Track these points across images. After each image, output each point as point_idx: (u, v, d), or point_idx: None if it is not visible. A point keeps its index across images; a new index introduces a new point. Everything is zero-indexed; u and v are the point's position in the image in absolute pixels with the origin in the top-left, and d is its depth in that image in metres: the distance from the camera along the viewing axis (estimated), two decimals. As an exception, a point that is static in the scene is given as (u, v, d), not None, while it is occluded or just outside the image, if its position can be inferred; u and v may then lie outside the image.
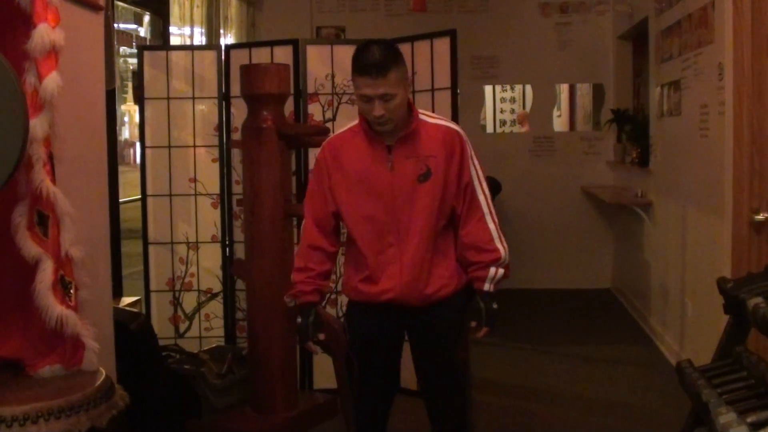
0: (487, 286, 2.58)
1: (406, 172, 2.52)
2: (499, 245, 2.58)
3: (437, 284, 2.59)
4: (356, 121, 2.61)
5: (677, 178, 4.69)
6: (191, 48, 4.84)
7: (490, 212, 2.60)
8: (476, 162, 2.60)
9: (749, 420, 1.85)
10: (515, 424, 3.86)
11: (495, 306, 2.58)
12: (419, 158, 2.52)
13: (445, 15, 6.75)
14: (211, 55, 4.30)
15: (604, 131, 6.84)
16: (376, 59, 2.42)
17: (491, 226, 2.58)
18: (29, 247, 2.06)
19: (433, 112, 3.96)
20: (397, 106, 2.47)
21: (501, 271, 2.58)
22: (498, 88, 8.69)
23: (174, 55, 4.29)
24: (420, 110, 2.61)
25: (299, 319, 2.67)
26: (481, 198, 2.59)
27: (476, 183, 2.59)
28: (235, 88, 3.94)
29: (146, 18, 5.61)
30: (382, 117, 2.45)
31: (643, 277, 5.59)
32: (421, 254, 2.55)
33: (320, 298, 2.70)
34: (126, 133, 9.64)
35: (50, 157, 2.11)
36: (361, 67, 2.45)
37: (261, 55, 4.15)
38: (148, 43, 5.40)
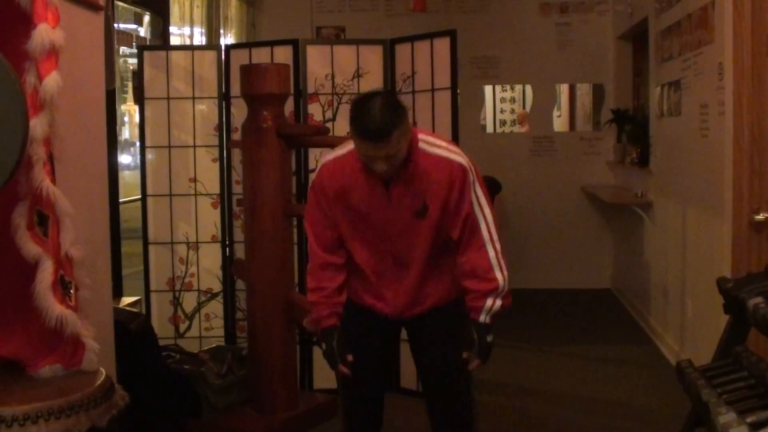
0: (482, 318, 2.51)
1: (402, 208, 2.49)
2: (497, 274, 2.50)
3: (432, 300, 2.61)
4: (352, 146, 2.48)
5: (677, 178, 4.68)
6: (191, 48, 4.85)
7: (492, 240, 2.50)
8: (479, 191, 2.51)
9: (749, 420, 1.85)
10: (515, 424, 3.86)
11: (489, 339, 2.52)
12: (416, 193, 2.47)
13: (445, 15, 6.74)
14: (211, 55, 4.30)
15: (604, 131, 6.84)
16: (377, 125, 2.30)
17: (491, 254, 2.50)
18: (29, 247, 2.06)
19: (433, 112, 3.98)
20: (399, 158, 2.39)
21: (498, 302, 2.51)
22: (498, 88, 8.69)
23: (174, 55, 4.29)
24: (421, 137, 2.49)
25: (324, 345, 2.62)
26: (483, 226, 2.50)
27: (478, 211, 2.50)
28: (235, 88, 3.95)
29: (146, 18, 5.60)
30: (385, 171, 2.40)
31: (643, 277, 5.59)
32: (419, 280, 2.57)
33: (339, 320, 2.61)
34: (126, 133, 9.63)
35: (50, 157, 2.11)
36: (360, 132, 2.34)
37: (261, 55, 4.15)
38: (148, 43, 5.40)
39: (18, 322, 2.17)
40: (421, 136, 2.50)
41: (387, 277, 2.58)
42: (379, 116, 2.30)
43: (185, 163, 4.28)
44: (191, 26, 5.51)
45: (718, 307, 2.66)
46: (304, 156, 4.15)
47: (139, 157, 4.41)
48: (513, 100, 9.13)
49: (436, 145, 2.50)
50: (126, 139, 9.67)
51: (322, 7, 6.96)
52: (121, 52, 5.98)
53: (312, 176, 4.13)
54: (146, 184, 4.29)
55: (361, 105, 2.36)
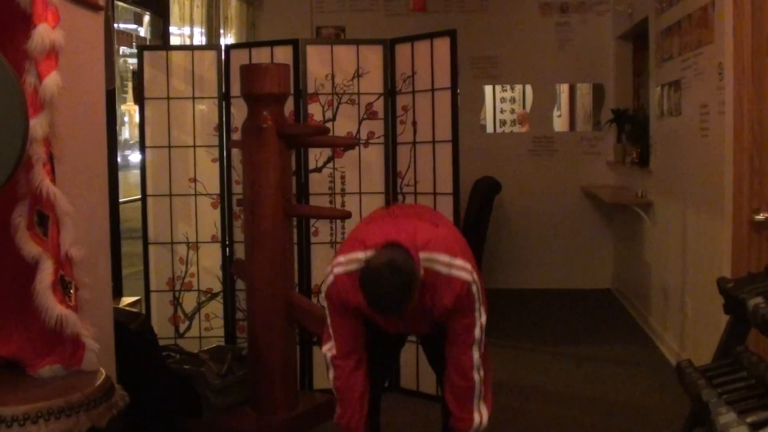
0: None
1: (415, 325, 2.61)
2: (475, 375, 2.57)
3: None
4: (357, 264, 2.49)
5: (677, 178, 4.68)
6: (191, 48, 4.84)
7: (480, 342, 2.57)
8: (482, 306, 2.56)
9: (749, 420, 1.85)
10: (515, 424, 3.86)
11: None
12: (425, 309, 2.53)
13: (445, 15, 6.75)
14: (211, 55, 4.30)
15: (604, 131, 6.84)
16: (389, 307, 2.36)
17: (476, 356, 2.56)
18: (29, 247, 2.06)
19: (433, 112, 3.98)
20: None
21: (485, 418, 2.59)
22: (498, 88, 8.68)
23: (174, 55, 4.29)
24: (424, 257, 2.47)
25: None
26: (477, 330, 2.55)
27: (477, 317, 2.54)
28: (235, 88, 3.94)
29: (146, 18, 5.60)
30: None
31: (643, 277, 5.59)
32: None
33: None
34: (126, 133, 9.64)
35: (50, 157, 2.11)
36: (372, 308, 2.40)
37: (261, 55, 4.15)
38: (148, 43, 5.40)
39: (18, 322, 2.18)
40: (423, 255, 2.46)
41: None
42: (391, 297, 2.32)
43: (185, 163, 4.28)
44: (191, 26, 5.51)
45: (718, 307, 2.66)
46: (304, 156, 4.15)
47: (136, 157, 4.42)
48: (513, 100, 9.11)
49: (439, 262, 2.49)
50: (126, 139, 9.67)
51: (322, 7, 6.96)
52: (121, 52, 5.99)
53: (312, 176, 4.16)
54: (146, 184, 4.28)
55: (370, 281, 2.35)
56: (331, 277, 2.55)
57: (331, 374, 2.63)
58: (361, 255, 2.48)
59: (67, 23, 2.19)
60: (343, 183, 4.19)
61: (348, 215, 3.74)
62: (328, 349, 2.62)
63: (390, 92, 4.17)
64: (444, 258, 2.48)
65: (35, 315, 2.09)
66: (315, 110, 4.15)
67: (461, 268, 2.48)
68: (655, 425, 3.77)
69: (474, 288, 2.49)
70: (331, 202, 4.18)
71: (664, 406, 3.99)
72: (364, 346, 2.64)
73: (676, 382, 2.47)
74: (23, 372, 2.15)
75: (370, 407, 2.79)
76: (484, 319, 2.54)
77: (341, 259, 2.55)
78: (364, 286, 2.36)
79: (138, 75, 4.33)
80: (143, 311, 4.20)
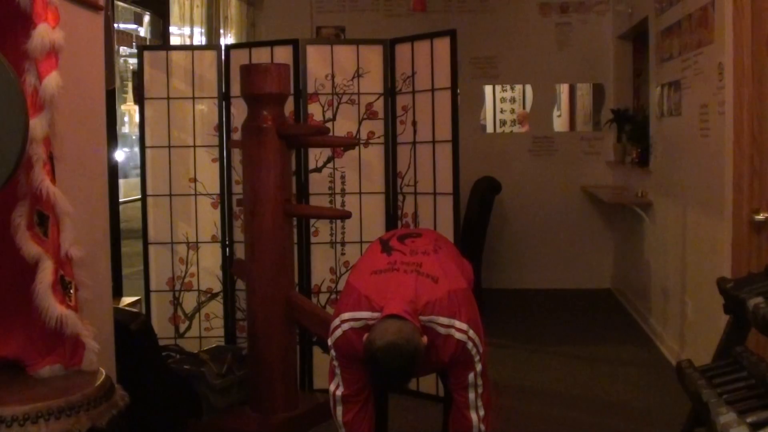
0: None
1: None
2: (471, 414, 2.59)
3: None
4: (368, 315, 2.55)
5: (677, 178, 4.69)
6: (191, 48, 4.84)
7: (476, 385, 2.59)
8: (480, 357, 2.59)
9: (749, 420, 1.85)
10: (515, 424, 3.86)
11: None
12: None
13: (445, 15, 6.75)
14: (211, 55, 4.30)
15: (604, 131, 6.84)
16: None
17: (471, 396, 2.60)
18: (29, 247, 2.06)
19: (433, 112, 3.98)
20: None
21: None
22: (498, 88, 8.70)
23: (174, 55, 4.29)
24: (424, 320, 2.52)
25: None
26: (471, 376, 2.59)
27: (473, 369, 2.58)
28: (235, 88, 3.95)
29: (146, 18, 5.61)
30: None
31: (643, 277, 5.59)
32: None
33: None
34: (126, 132, 9.67)
35: (50, 157, 2.11)
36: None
37: (261, 55, 4.15)
38: (148, 43, 5.41)
39: (18, 322, 2.18)
40: (423, 318, 2.52)
41: None
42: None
43: (185, 163, 4.28)
44: (191, 26, 5.51)
45: (718, 307, 2.66)
46: (304, 156, 4.15)
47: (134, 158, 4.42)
48: (513, 100, 9.13)
49: (439, 323, 2.54)
50: (125, 134, 9.69)
51: (322, 7, 6.97)
52: (121, 52, 6.00)
53: (312, 176, 4.16)
54: (146, 184, 4.29)
55: (374, 363, 2.40)
56: (339, 331, 2.60)
57: (339, 410, 2.66)
58: (367, 314, 2.54)
59: (67, 23, 2.20)
60: (343, 183, 4.19)
61: (348, 215, 3.74)
62: (336, 387, 2.66)
63: (390, 92, 4.17)
64: (444, 320, 2.55)
65: (35, 315, 2.09)
66: (315, 110, 4.16)
67: (458, 330, 2.55)
68: (655, 425, 3.77)
69: (469, 345, 2.55)
70: (331, 202, 4.18)
71: (664, 406, 3.99)
72: (365, 386, 2.66)
73: (676, 382, 2.47)
74: (23, 372, 2.15)
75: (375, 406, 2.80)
76: (479, 368, 2.59)
77: (347, 315, 2.60)
78: (368, 365, 2.43)
79: (138, 75, 4.33)
80: (143, 311, 4.20)
